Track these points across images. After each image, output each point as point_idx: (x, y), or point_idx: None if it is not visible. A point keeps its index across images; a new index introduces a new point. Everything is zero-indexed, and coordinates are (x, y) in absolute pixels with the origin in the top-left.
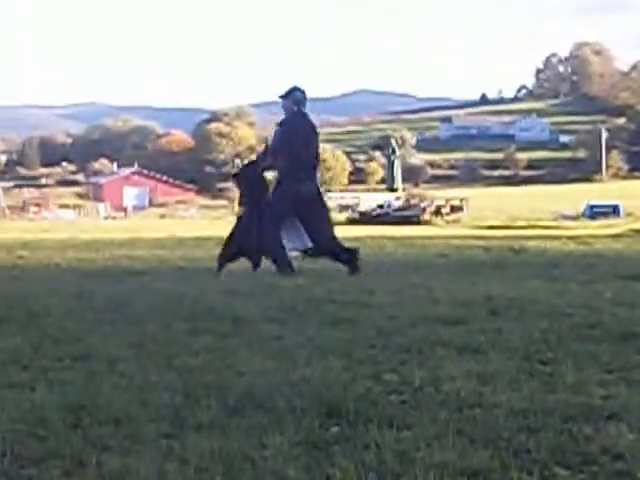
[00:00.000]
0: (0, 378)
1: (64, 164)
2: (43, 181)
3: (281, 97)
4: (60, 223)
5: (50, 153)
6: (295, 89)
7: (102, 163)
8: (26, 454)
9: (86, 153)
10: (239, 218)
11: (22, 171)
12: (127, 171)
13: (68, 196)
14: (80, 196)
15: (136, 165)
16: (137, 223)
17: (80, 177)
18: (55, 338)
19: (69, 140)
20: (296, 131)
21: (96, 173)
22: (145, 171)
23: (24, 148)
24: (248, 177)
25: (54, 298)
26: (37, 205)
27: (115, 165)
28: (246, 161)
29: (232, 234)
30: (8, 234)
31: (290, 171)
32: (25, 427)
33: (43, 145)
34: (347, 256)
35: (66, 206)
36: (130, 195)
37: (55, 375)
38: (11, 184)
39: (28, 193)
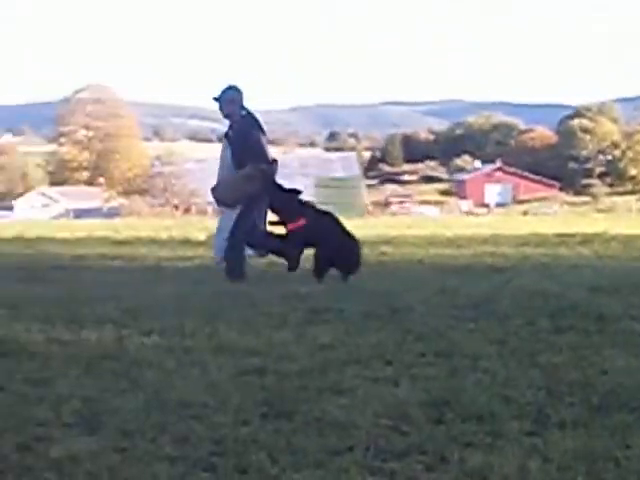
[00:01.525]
0: (365, 373)
1: (427, 161)
2: (406, 178)
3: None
4: (422, 219)
5: (413, 150)
6: (229, 88)
7: (464, 160)
8: (389, 448)
9: (449, 150)
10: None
11: (385, 168)
12: (489, 168)
13: (431, 193)
14: (442, 193)
15: (498, 162)
16: (499, 220)
17: (442, 174)
18: (418, 334)
19: (432, 137)
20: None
21: (458, 170)
22: (507, 168)
23: (387, 145)
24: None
25: (417, 294)
26: (400, 202)
27: (477, 162)
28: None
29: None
30: (371, 230)
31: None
32: (389, 422)
33: (406, 142)
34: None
35: (428, 202)
36: (492, 192)
37: (418, 371)
38: (375, 181)
39: (391, 190)
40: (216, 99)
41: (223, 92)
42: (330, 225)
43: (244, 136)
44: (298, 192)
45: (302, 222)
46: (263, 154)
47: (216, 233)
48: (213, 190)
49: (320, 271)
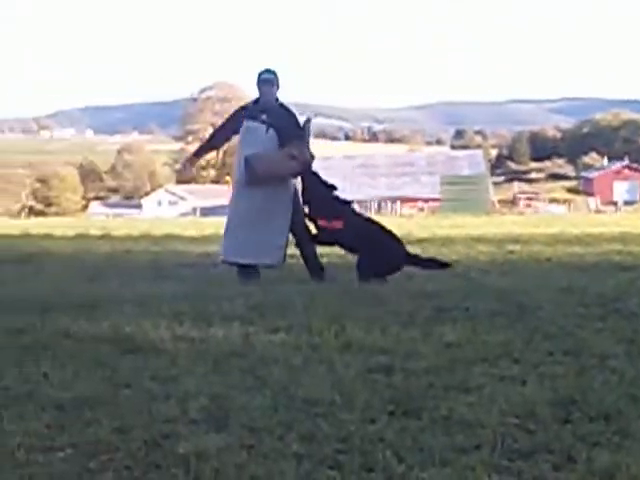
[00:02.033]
0: (492, 371)
1: (554, 158)
2: (533, 175)
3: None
4: (550, 217)
5: (540, 148)
6: (268, 71)
7: (592, 157)
8: (516, 447)
9: (576, 147)
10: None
11: (512, 165)
12: (617, 165)
13: (558, 190)
14: (570, 190)
15: (626, 159)
16: (627, 217)
17: (570, 171)
18: (545, 332)
19: (559, 134)
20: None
21: (586, 167)
22: (635, 165)
23: (514, 143)
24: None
25: (544, 292)
26: (527, 199)
27: (605, 159)
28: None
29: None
30: (498, 228)
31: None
32: (515, 420)
33: (533, 139)
34: None
35: (556, 200)
36: (620, 189)
37: (546, 369)
38: (501, 178)
39: (518, 187)
40: (264, 81)
41: (265, 74)
42: (370, 229)
43: (289, 120)
44: (335, 188)
45: (338, 225)
46: (307, 140)
47: (226, 232)
48: (247, 162)
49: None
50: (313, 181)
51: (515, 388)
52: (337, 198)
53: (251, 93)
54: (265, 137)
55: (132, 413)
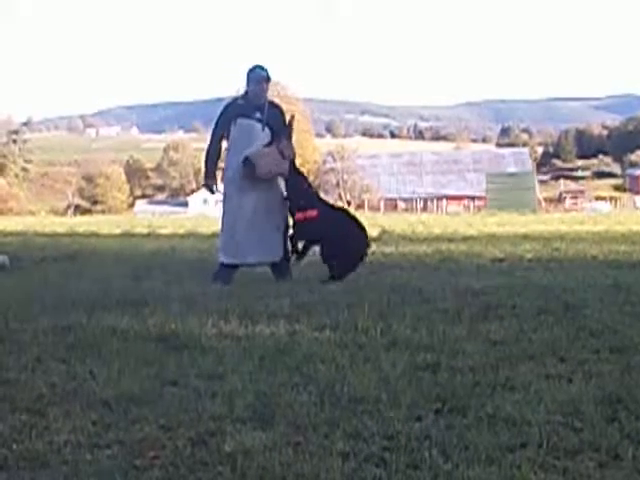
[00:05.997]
0: (537, 369)
1: (600, 156)
2: (579, 173)
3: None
4: (596, 215)
5: (586, 145)
6: (261, 67)
7: (638, 155)
8: (562, 445)
9: (622, 145)
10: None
11: (558, 163)
12: None
13: (604, 188)
14: (616, 188)
15: None
16: None
17: (616, 169)
18: (592, 330)
19: (605, 132)
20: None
21: (632, 165)
22: None
23: (560, 140)
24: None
25: (590, 290)
26: (573, 197)
27: None
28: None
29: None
30: (544, 226)
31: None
32: (561, 419)
33: (579, 137)
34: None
35: (602, 198)
36: None
37: (592, 367)
38: (547, 176)
39: (564, 185)
40: (263, 78)
41: (263, 71)
42: (341, 220)
43: (281, 117)
44: (309, 182)
45: (314, 213)
46: (291, 138)
47: (223, 233)
48: (246, 161)
49: (334, 271)
50: (297, 179)
51: (561, 386)
52: (316, 193)
53: (297, 92)
54: (262, 135)
55: (178, 411)
